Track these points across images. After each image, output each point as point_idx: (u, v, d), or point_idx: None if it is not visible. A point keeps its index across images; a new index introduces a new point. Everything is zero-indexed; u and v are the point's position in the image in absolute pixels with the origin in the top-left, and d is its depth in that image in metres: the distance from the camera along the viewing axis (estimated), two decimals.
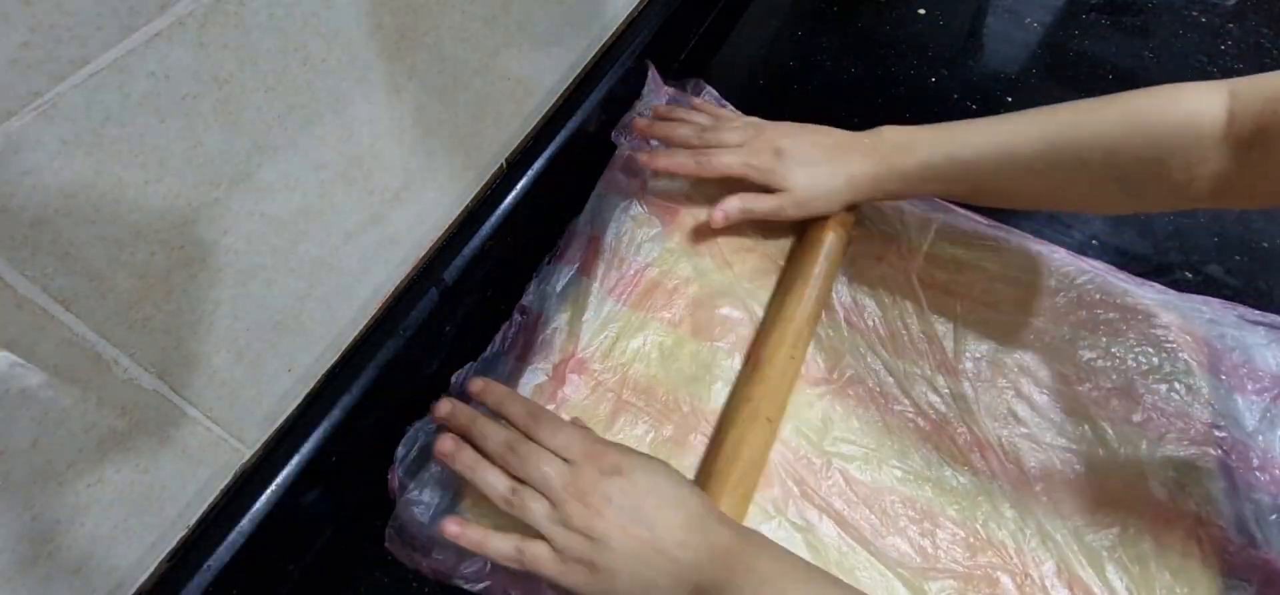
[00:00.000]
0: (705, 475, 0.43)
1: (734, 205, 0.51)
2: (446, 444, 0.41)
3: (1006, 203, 0.49)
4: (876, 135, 0.50)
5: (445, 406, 0.43)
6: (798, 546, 0.42)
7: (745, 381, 0.46)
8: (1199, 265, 0.55)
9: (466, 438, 0.41)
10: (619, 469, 0.38)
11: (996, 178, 0.46)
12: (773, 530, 0.42)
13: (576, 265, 0.53)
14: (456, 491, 0.43)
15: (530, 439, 0.40)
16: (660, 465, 0.40)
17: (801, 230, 0.53)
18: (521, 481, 0.39)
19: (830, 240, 0.51)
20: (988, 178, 0.46)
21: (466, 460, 0.40)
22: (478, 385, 0.44)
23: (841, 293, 0.52)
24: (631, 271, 0.52)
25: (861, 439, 0.46)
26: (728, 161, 0.51)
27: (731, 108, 0.62)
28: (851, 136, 0.51)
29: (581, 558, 0.37)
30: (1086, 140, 0.43)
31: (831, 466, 0.44)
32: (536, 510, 0.38)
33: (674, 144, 0.55)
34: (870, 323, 0.50)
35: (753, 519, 0.42)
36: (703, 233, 0.55)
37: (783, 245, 0.54)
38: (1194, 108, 0.39)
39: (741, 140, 0.52)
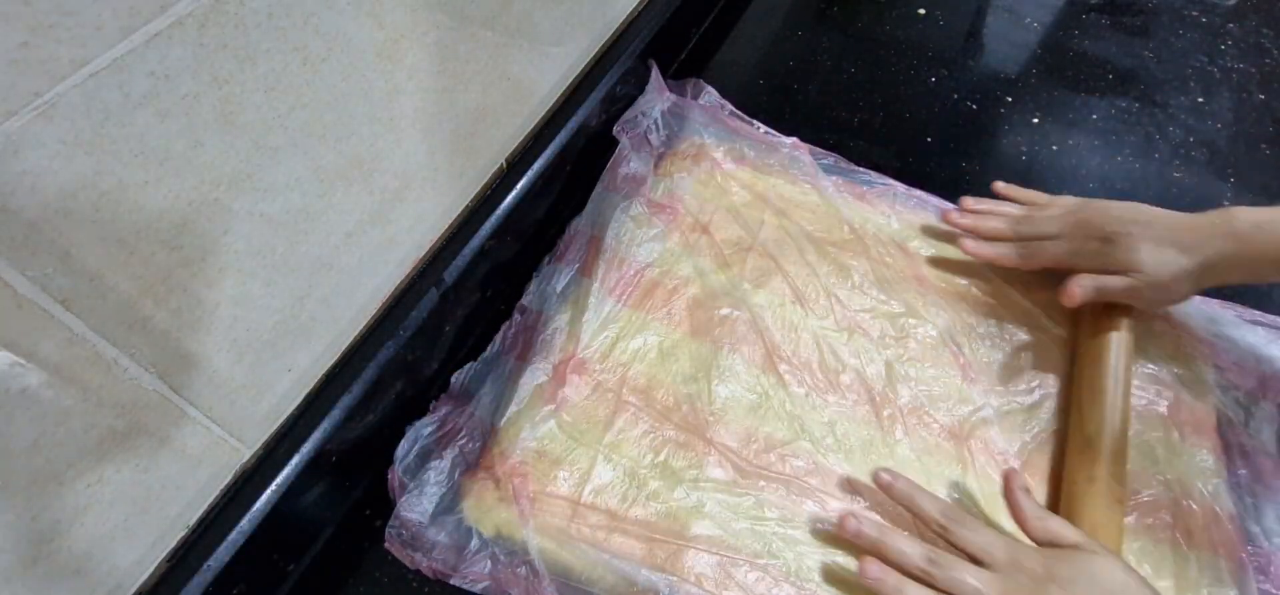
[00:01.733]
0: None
1: (1086, 283, 0.47)
2: (872, 569, 0.38)
3: None
4: (1227, 217, 0.45)
5: (851, 523, 0.40)
6: None
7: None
8: None
9: (877, 553, 0.39)
10: (1053, 575, 0.35)
11: None
12: None
13: (577, 265, 0.53)
14: (457, 492, 0.43)
15: (948, 541, 0.39)
16: (1099, 558, 0.36)
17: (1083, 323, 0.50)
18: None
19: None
20: None
21: (892, 584, 0.38)
22: (884, 479, 0.42)
23: None
24: (631, 271, 0.52)
25: None
26: (1053, 253, 0.49)
27: (746, 120, 0.62)
28: (1197, 219, 0.46)
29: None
30: None
31: None
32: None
33: (987, 237, 0.52)
34: None
35: None
36: (702, 232, 0.55)
37: (782, 245, 0.54)
38: None
39: (1060, 230, 0.49)
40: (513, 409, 0.46)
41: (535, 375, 0.47)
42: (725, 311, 0.51)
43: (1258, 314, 0.51)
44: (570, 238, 0.54)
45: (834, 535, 0.42)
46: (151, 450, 0.32)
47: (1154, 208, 0.48)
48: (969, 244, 0.52)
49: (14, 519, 0.28)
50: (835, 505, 0.43)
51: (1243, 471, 0.44)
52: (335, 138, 0.36)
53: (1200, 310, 0.51)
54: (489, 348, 0.49)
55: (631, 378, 0.48)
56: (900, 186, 0.59)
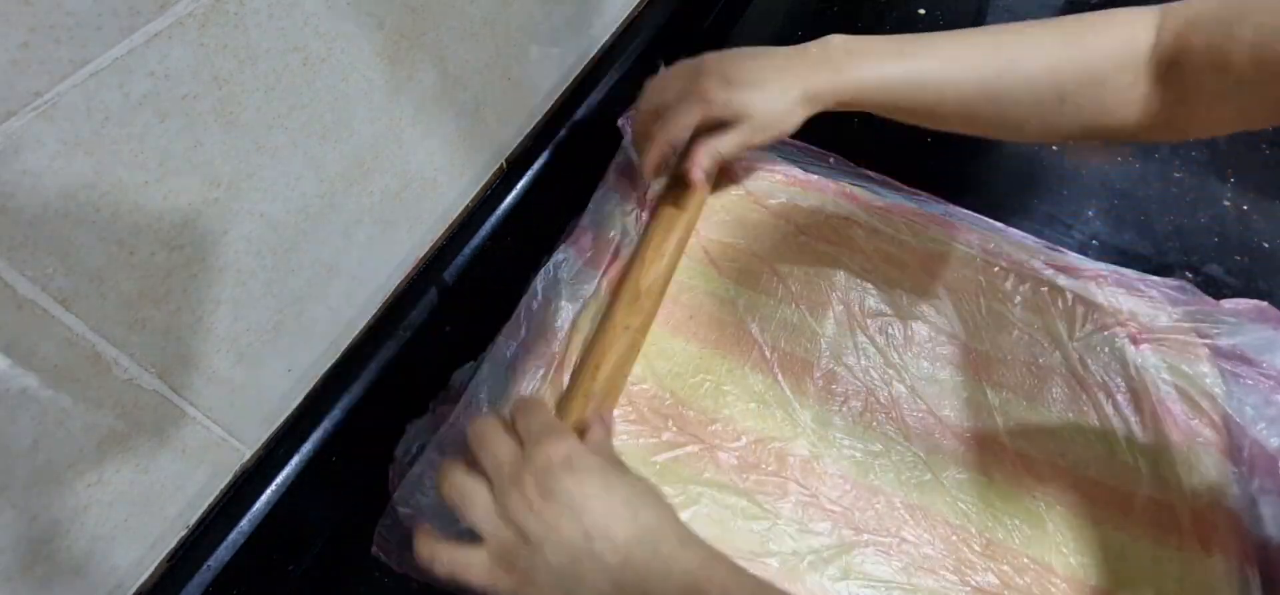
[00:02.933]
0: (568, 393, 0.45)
1: (702, 158, 0.48)
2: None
3: (952, 125, 0.47)
4: (824, 45, 0.48)
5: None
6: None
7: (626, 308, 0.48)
8: (1199, 265, 0.55)
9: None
10: (571, 463, 0.33)
11: (948, 94, 0.45)
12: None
13: (577, 265, 0.53)
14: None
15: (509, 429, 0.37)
16: (622, 470, 0.35)
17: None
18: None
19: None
20: (936, 93, 0.45)
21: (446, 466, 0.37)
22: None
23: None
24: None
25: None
26: (686, 120, 0.48)
27: None
28: (796, 49, 0.48)
29: (506, 555, 0.33)
30: (1031, 56, 0.42)
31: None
32: (475, 499, 0.34)
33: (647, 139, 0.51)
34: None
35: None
36: (698, 233, 0.55)
37: (779, 246, 0.54)
38: (1128, 29, 0.40)
39: (685, 87, 0.49)
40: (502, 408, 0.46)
41: (534, 375, 0.47)
42: (722, 312, 0.51)
43: (1265, 305, 0.50)
44: (570, 237, 0.54)
45: (831, 534, 0.42)
46: (151, 450, 0.32)
47: (759, 47, 0.49)
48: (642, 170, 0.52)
49: (14, 519, 0.28)
50: (834, 505, 0.43)
51: (1247, 471, 0.44)
52: (335, 138, 0.36)
53: (1203, 309, 0.51)
54: (489, 348, 0.49)
55: (629, 378, 0.48)
56: (898, 187, 0.59)
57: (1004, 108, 0.44)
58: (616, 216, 0.55)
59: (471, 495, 0.35)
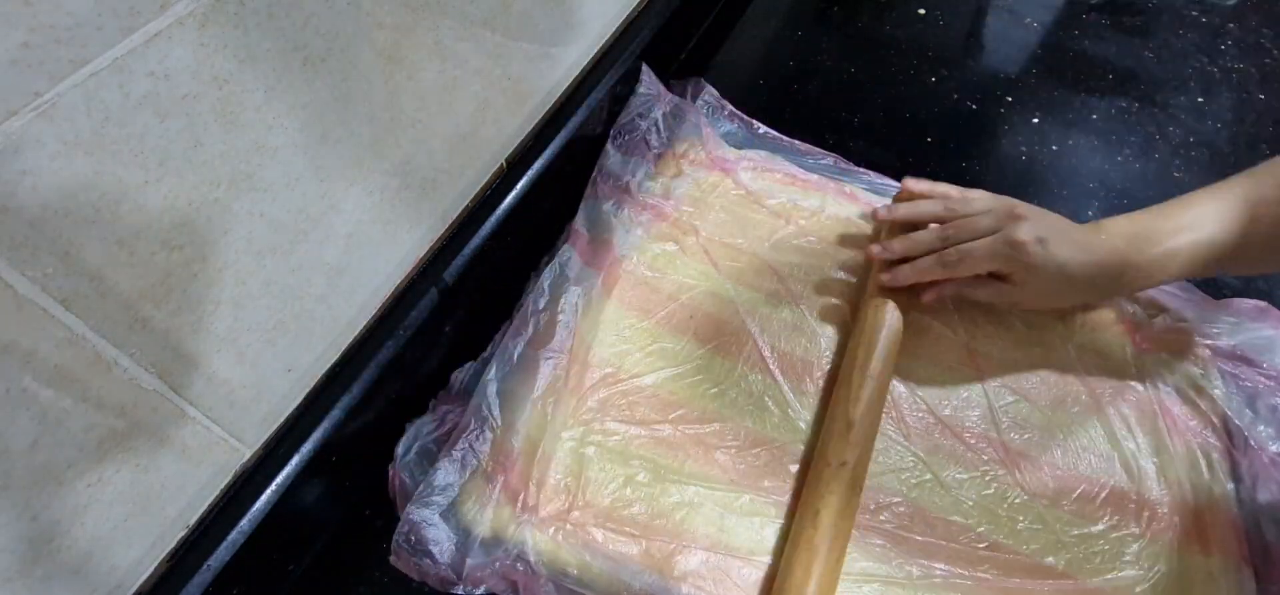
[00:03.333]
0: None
1: (948, 292, 0.48)
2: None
3: (1247, 272, 0.48)
4: (1104, 229, 0.46)
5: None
6: None
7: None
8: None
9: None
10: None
11: (1240, 253, 0.44)
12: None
13: (572, 267, 0.52)
14: (456, 493, 0.43)
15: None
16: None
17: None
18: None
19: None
20: (1230, 255, 0.44)
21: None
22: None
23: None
24: (622, 270, 0.52)
25: None
26: (973, 252, 0.46)
27: (746, 120, 0.62)
28: (1098, 225, 0.47)
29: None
30: None
31: None
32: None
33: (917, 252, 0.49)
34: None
35: None
36: (694, 233, 0.55)
37: (778, 246, 0.54)
38: None
39: (992, 226, 0.47)
40: (510, 409, 0.46)
41: (532, 376, 0.47)
42: (722, 312, 0.51)
43: (1265, 305, 0.50)
44: (567, 238, 0.54)
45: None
46: (151, 450, 0.32)
47: (1061, 217, 0.47)
48: (885, 277, 0.49)
49: (14, 519, 0.28)
50: None
51: (1247, 471, 0.44)
52: (335, 138, 0.36)
53: (1203, 309, 0.51)
54: (489, 347, 0.49)
55: (628, 377, 0.48)
56: (898, 188, 0.59)
57: None
58: (608, 221, 0.54)
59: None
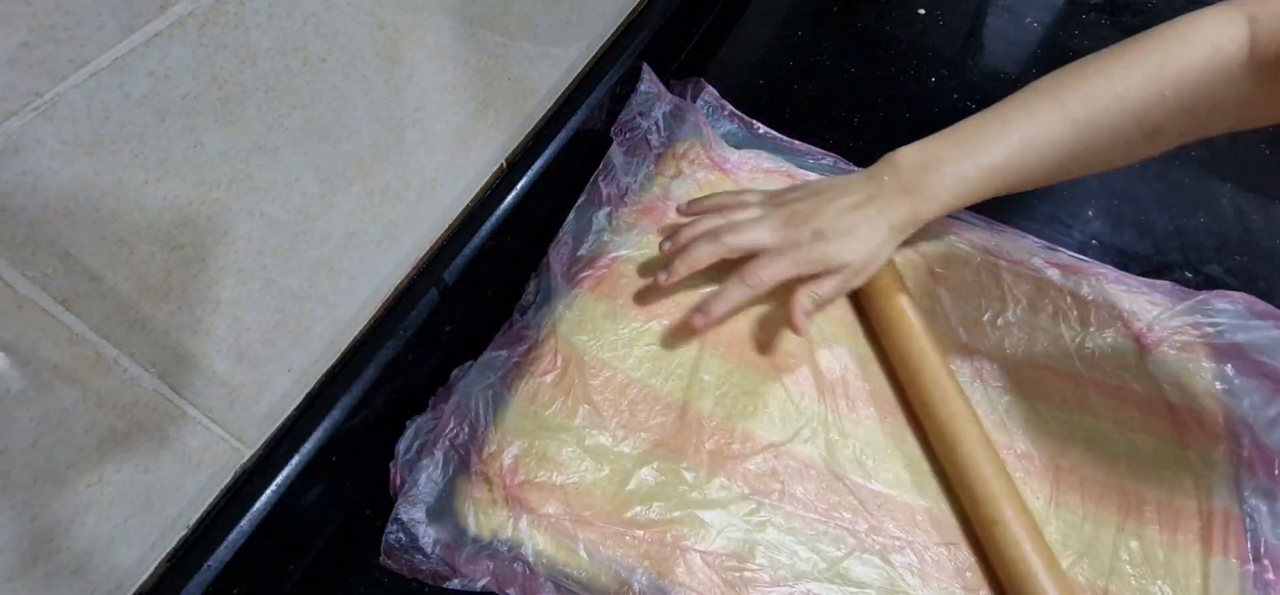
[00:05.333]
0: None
1: (806, 303, 0.46)
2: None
3: (1037, 185, 0.47)
4: (891, 166, 0.48)
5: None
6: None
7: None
8: (1199, 265, 0.55)
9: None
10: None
11: (1028, 171, 0.45)
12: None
13: (562, 268, 0.53)
14: (452, 492, 0.43)
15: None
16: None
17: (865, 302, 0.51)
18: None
19: (905, 303, 0.48)
20: (1018, 174, 0.45)
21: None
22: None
23: None
24: (625, 273, 0.52)
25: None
26: (776, 273, 0.47)
27: (746, 120, 0.62)
28: (869, 182, 0.48)
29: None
30: (1114, 110, 0.41)
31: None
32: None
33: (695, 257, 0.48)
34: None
35: None
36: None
37: None
38: (1215, 42, 0.38)
39: (774, 240, 0.47)
40: (509, 409, 0.46)
41: (530, 375, 0.47)
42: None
43: (1264, 305, 0.50)
44: (552, 246, 0.54)
45: (827, 535, 0.42)
46: (151, 450, 0.32)
47: (835, 181, 0.50)
48: (699, 320, 0.47)
49: (14, 519, 0.28)
50: (834, 505, 0.43)
51: (1247, 470, 0.44)
52: (335, 138, 0.36)
53: (1201, 310, 0.51)
54: (488, 347, 0.49)
55: (627, 378, 0.48)
56: None
57: (1091, 162, 0.44)
58: (595, 223, 0.54)
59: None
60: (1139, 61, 0.41)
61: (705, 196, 0.52)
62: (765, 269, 0.47)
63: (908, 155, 0.48)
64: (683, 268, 0.48)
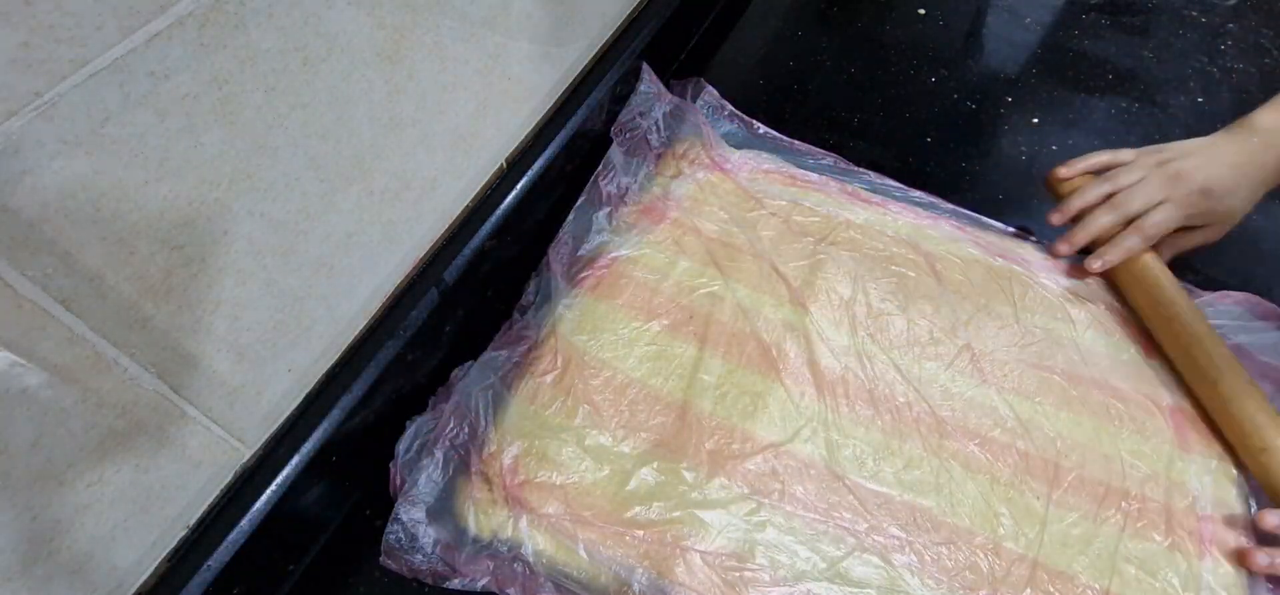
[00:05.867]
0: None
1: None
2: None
3: None
4: (1254, 127, 0.51)
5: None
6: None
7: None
8: (1199, 265, 0.55)
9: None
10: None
11: None
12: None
13: (561, 269, 0.53)
14: (452, 492, 0.43)
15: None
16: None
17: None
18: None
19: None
20: None
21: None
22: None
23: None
24: (624, 274, 0.52)
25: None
26: (1166, 221, 0.51)
27: (746, 120, 0.62)
28: (1231, 139, 0.52)
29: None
30: None
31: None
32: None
33: (1086, 214, 0.54)
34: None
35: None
36: (694, 232, 0.55)
37: (778, 246, 0.54)
38: None
39: (1163, 193, 0.52)
40: (509, 409, 0.46)
41: (530, 375, 0.47)
42: (718, 312, 0.51)
43: (1264, 303, 0.50)
44: (552, 246, 0.54)
45: (827, 535, 0.42)
46: (151, 450, 0.32)
47: (1205, 141, 0.53)
48: (1097, 264, 0.53)
49: (14, 519, 0.28)
50: (834, 505, 0.43)
51: (1247, 470, 0.44)
52: (335, 138, 0.36)
53: (1209, 311, 0.51)
54: (488, 347, 0.49)
55: (626, 378, 0.48)
56: (898, 187, 0.59)
57: None
58: (596, 223, 0.54)
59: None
60: None
61: (1078, 160, 0.56)
62: (1157, 217, 0.52)
63: (1265, 118, 0.51)
64: (1082, 236, 0.53)
